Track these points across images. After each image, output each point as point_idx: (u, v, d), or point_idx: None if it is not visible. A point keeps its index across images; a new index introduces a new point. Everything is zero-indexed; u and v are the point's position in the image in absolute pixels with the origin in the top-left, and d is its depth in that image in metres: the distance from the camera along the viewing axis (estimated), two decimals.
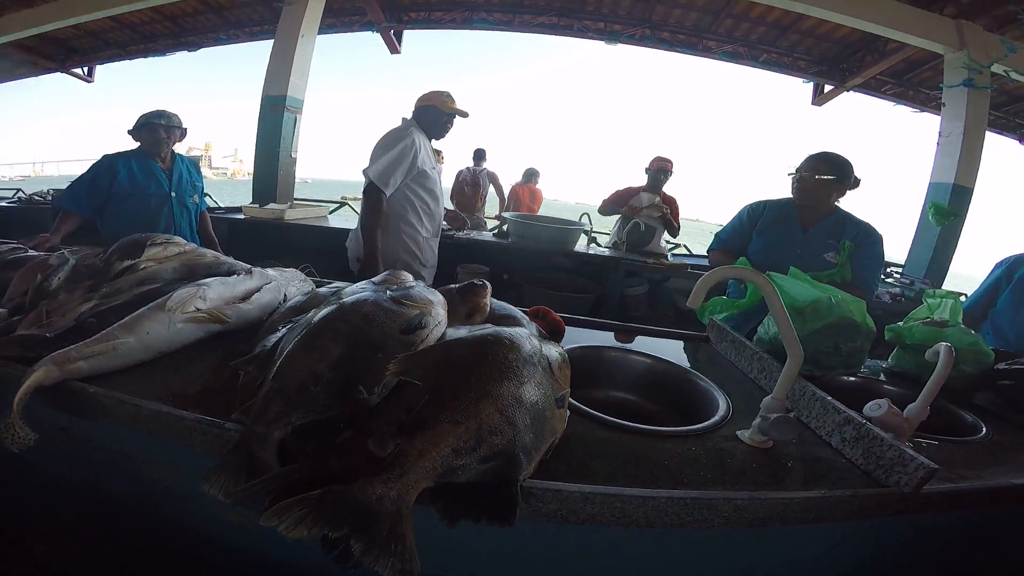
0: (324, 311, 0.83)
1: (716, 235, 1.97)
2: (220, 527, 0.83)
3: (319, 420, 0.66)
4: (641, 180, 3.80)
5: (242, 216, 3.32)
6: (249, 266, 1.30)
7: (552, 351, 0.86)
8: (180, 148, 2.35)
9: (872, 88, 5.32)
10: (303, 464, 0.61)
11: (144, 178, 2.16)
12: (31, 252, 1.26)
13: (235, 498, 0.60)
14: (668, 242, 4.20)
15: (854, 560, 0.89)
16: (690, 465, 0.79)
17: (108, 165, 2.11)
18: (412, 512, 0.57)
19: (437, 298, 0.99)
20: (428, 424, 0.63)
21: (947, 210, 3.87)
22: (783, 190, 1.86)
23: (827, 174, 1.67)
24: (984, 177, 4.07)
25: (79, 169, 2.22)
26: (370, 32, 5.29)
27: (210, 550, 0.91)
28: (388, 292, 0.92)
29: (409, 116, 2.33)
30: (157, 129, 2.16)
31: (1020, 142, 5.38)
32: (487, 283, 1.14)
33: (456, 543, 0.68)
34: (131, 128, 2.18)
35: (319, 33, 4.36)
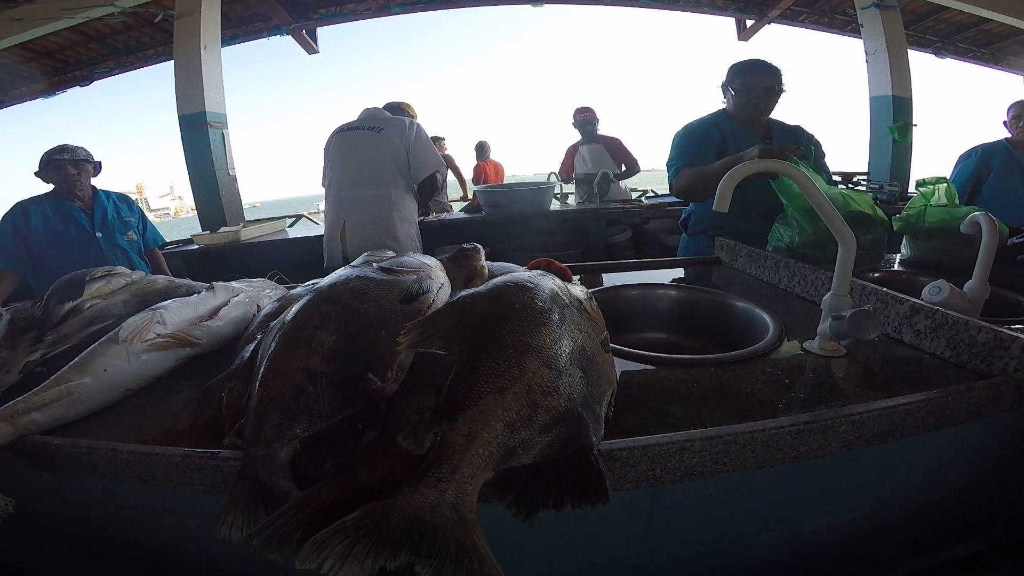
0: (304, 299, 0.68)
1: (672, 166, 1.67)
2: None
3: (331, 427, 0.53)
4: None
5: (195, 247, 3.05)
6: (210, 283, 1.14)
7: (577, 290, 0.74)
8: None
9: (790, 18, 5.29)
10: (329, 484, 0.47)
11: (61, 222, 1.95)
12: None
13: (256, 540, 0.45)
14: (635, 189, 4.17)
15: (973, 471, 0.77)
16: (774, 389, 0.68)
17: (21, 211, 1.91)
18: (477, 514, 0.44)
19: (433, 261, 0.87)
20: (468, 400, 0.49)
21: (905, 126, 4.02)
22: None
23: (773, 84, 1.57)
24: (918, 89, 4.20)
25: None
26: (279, 36, 4.91)
27: None
28: (375, 264, 0.79)
29: (388, 113, 2.31)
30: (63, 166, 1.93)
31: (936, 55, 5.53)
32: (478, 245, 1.04)
33: (529, 536, 0.55)
34: (36, 170, 1.96)
35: (225, 45, 4.05)
